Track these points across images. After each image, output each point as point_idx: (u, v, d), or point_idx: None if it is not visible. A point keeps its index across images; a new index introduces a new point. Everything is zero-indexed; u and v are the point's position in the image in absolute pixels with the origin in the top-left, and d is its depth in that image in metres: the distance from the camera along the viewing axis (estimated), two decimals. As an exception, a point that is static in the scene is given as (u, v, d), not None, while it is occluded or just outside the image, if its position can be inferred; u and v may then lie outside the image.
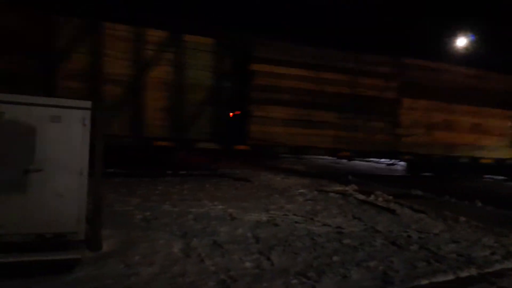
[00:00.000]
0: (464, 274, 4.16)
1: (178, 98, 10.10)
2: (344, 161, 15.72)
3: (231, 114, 11.27)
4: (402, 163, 14.68)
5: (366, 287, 3.70)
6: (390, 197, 8.31)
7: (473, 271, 4.24)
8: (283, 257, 4.32)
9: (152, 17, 10.44)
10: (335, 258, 4.38)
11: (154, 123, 9.89)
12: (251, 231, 5.24)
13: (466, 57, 16.30)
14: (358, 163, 17.02)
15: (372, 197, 8.32)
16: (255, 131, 10.76)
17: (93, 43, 9.34)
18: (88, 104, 3.92)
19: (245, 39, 11.20)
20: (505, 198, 10.00)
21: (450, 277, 4.06)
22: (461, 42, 19.41)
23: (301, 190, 8.93)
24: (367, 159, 15.04)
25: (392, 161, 14.44)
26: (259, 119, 10.81)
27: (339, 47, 11.97)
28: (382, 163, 17.35)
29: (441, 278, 4.01)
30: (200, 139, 10.38)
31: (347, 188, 9.43)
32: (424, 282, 3.90)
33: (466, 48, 18.48)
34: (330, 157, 13.75)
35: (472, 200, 8.47)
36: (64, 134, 3.80)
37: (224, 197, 7.60)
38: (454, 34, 18.64)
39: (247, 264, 4.03)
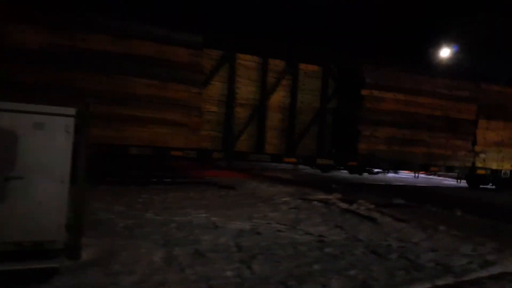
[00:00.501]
0: (441, 282, 4.23)
1: (291, 119, 11.70)
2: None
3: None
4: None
5: (345, 295, 3.75)
6: (372, 206, 8.41)
7: (450, 280, 4.31)
8: (264, 265, 4.35)
9: (273, 47, 11.89)
10: (316, 266, 4.42)
11: (272, 141, 11.50)
12: (233, 240, 5.26)
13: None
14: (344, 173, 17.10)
15: (354, 206, 8.41)
16: (363, 149, 12.11)
17: (228, 72, 10.92)
18: (72, 111, 3.90)
19: (351, 64, 12.47)
20: (487, 207, 10.24)
21: (427, 285, 4.12)
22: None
23: (285, 199, 8.98)
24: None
25: (376, 170, 14.95)
26: (366, 138, 12.14)
27: (428, 73, 13.56)
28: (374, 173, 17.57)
29: (418, 287, 4.08)
30: (305, 155, 11.96)
31: (330, 197, 9.52)
32: (402, 290, 3.96)
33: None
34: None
35: (451, 209, 8.65)
36: (47, 141, 3.77)
37: (209, 206, 7.60)
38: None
39: (228, 273, 4.04)
